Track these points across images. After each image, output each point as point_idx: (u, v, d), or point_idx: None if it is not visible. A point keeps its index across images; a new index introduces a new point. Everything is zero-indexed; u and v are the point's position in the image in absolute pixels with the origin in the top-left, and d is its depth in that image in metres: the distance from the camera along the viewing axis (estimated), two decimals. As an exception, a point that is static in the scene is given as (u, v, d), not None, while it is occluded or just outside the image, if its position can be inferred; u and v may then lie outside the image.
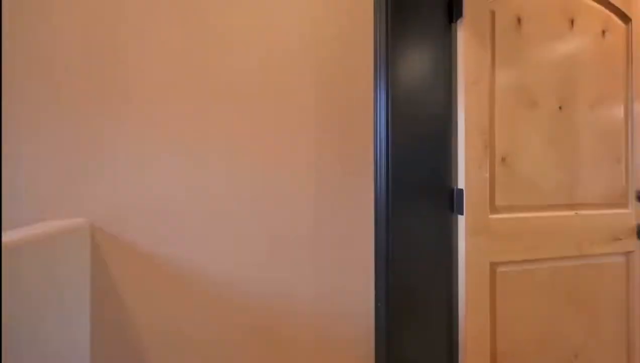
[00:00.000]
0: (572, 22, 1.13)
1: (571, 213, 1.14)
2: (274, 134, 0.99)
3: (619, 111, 1.23)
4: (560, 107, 1.12)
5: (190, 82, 0.93)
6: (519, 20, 1.06)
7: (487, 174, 1.01)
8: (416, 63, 0.99)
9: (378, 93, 1.00)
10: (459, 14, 1.00)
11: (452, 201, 1.02)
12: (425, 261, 1.00)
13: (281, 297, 1.00)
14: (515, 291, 1.06)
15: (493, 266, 1.02)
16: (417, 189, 0.98)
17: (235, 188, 0.96)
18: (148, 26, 0.91)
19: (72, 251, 0.79)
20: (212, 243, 0.95)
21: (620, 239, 1.21)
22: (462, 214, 0.99)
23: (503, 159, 1.03)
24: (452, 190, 1.02)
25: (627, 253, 1.23)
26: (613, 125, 1.22)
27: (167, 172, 0.92)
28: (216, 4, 0.95)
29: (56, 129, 0.85)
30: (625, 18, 1.22)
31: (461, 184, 0.99)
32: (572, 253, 1.13)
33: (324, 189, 1.03)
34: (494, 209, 1.03)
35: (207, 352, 0.94)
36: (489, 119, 1.02)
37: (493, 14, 1.03)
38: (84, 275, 0.84)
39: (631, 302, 1.25)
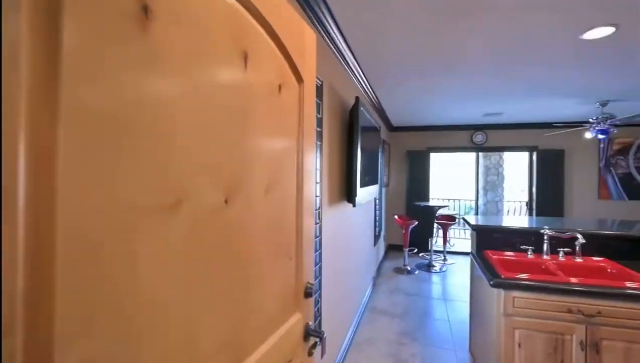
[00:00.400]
0: (246, 57, 0.69)
1: (239, 374, 0.69)
2: None
3: (293, 191, 0.98)
4: (226, 200, 0.64)
5: None
6: (145, 10, 0.45)
7: None
8: None
9: None
10: None
11: None
12: None
13: None
14: None
15: None
16: None
17: None
18: None
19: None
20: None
21: (291, 359, 0.95)
22: None
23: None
24: None
25: (296, 368, 1.00)
26: (288, 211, 0.94)
27: None
28: None
29: None
30: (299, 77, 0.99)
31: None
32: None
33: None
34: None
35: None
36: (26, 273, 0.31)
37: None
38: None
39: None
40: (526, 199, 5.67)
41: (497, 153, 6.77)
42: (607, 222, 2.52)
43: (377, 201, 4.24)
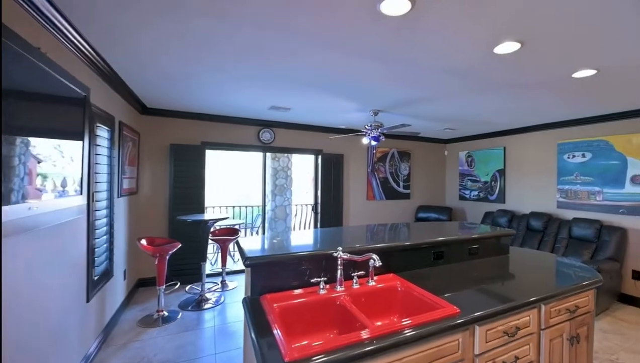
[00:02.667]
0: None
1: None
2: None
3: None
4: None
5: None
6: None
7: None
8: None
9: None
10: None
11: None
12: None
13: None
14: None
15: None
16: None
17: None
18: None
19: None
20: None
21: None
22: None
23: None
24: None
25: None
26: None
27: None
28: None
29: None
30: None
31: None
32: None
33: None
34: None
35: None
36: None
37: None
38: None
39: None
40: (312, 202, 5.67)
41: (286, 154, 6.63)
42: (372, 227, 2.51)
43: (105, 220, 2.66)
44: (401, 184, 6.38)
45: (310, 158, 5.70)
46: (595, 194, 4.35)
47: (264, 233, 5.32)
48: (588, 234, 4.18)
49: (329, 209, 5.53)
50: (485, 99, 3.54)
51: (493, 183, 5.88)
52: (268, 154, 6.37)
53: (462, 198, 6.56)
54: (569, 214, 4.66)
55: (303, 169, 7.94)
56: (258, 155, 5.20)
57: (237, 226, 4.43)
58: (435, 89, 3.21)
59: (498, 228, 2.51)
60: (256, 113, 4.47)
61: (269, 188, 6.48)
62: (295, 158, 6.87)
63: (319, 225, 5.49)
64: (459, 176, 6.63)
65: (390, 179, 6.26)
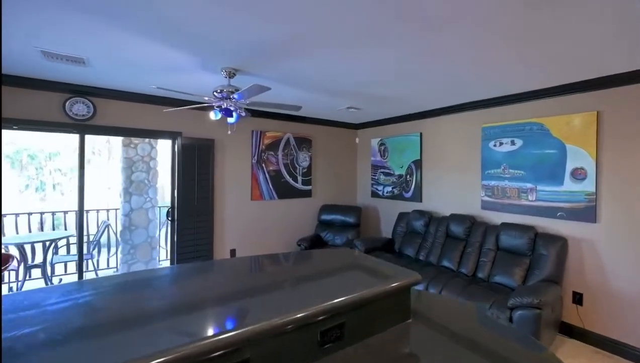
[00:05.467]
0: None
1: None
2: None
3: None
4: None
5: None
6: None
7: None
8: None
9: None
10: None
11: None
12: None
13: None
14: None
15: None
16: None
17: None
18: None
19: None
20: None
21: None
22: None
23: None
24: None
25: None
26: None
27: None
28: None
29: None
30: None
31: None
32: None
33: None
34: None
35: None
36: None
37: None
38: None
39: None
40: (169, 205, 4.34)
41: (147, 140, 5.18)
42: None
43: None
44: (299, 178, 5.30)
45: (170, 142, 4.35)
46: (528, 193, 3.53)
47: (80, 259, 3.86)
48: (520, 245, 3.31)
49: (192, 214, 4.24)
50: (380, 49, 2.50)
51: (408, 177, 5.03)
52: (109, 139, 4.88)
53: (374, 194, 5.68)
54: (496, 218, 3.83)
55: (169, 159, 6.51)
56: (74, 138, 3.72)
57: (11, 253, 2.96)
58: (302, 17, 2.06)
59: (395, 271, 1.32)
60: (37, 66, 3.01)
61: (121, 185, 5.00)
62: (163, 144, 5.44)
63: (175, 238, 4.18)
64: (372, 169, 5.74)
65: (285, 173, 5.13)
